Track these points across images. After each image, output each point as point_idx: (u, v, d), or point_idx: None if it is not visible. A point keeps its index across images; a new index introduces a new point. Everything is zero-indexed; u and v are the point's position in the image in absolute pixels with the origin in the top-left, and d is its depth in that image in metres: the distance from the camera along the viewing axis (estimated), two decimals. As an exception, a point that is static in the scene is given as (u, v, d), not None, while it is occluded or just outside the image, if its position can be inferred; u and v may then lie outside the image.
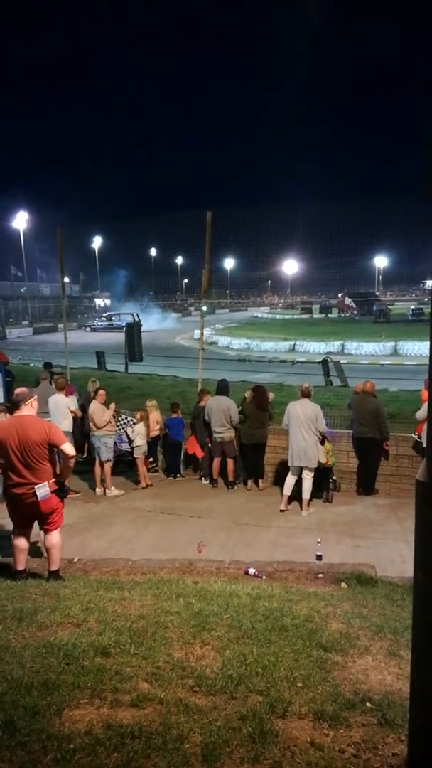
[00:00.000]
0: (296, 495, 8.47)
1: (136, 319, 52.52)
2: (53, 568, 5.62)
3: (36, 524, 5.66)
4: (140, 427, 9.59)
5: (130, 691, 3.13)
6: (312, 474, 8.31)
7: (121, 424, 9.86)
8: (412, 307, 53.88)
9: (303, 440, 8.22)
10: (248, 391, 9.80)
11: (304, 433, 8.21)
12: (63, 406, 9.07)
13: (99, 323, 53.07)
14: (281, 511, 8.33)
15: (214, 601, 4.54)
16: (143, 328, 19.73)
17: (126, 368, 20.57)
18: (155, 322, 53.33)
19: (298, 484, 8.40)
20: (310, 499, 8.35)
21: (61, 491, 5.57)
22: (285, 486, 8.50)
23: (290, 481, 8.44)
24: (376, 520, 7.94)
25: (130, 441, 9.71)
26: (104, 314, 57.03)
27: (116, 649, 3.60)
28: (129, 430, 9.69)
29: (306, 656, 3.59)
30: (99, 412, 9.21)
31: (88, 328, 53.35)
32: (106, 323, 52.00)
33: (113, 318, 51.13)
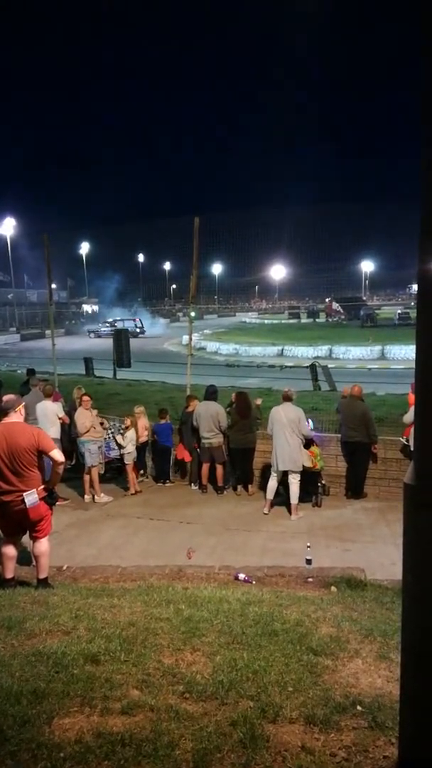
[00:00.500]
0: (283, 500, 8.49)
1: (140, 325, 52.39)
2: (42, 575, 5.59)
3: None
4: (131, 434, 9.57)
5: (120, 698, 3.11)
6: (298, 477, 8.33)
7: (110, 431, 9.83)
8: (399, 311, 54.29)
9: (287, 444, 8.23)
10: (234, 393, 9.82)
11: (287, 437, 8.23)
12: (51, 413, 9.03)
13: (103, 329, 52.75)
14: (264, 514, 8.35)
15: (204, 607, 4.53)
16: (130, 333, 19.70)
17: (114, 374, 20.53)
18: (144, 328, 53.39)
19: (286, 488, 8.41)
20: (299, 503, 8.36)
21: (50, 498, 5.54)
22: (267, 490, 8.51)
23: (272, 484, 8.46)
24: (365, 523, 7.97)
25: (120, 447, 9.68)
26: (108, 320, 56.74)
27: (106, 657, 3.58)
28: (119, 437, 9.66)
29: (296, 660, 3.59)
30: (81, 417, 9.20)
31: (92, 334, 53.08)
32: (110, 329, 52.06)
33: (116, 323, 51.05)
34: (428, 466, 2.25)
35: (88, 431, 9.18)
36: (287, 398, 8.60)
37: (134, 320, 56.00)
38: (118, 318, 57.33)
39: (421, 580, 2.26)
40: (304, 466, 8.44)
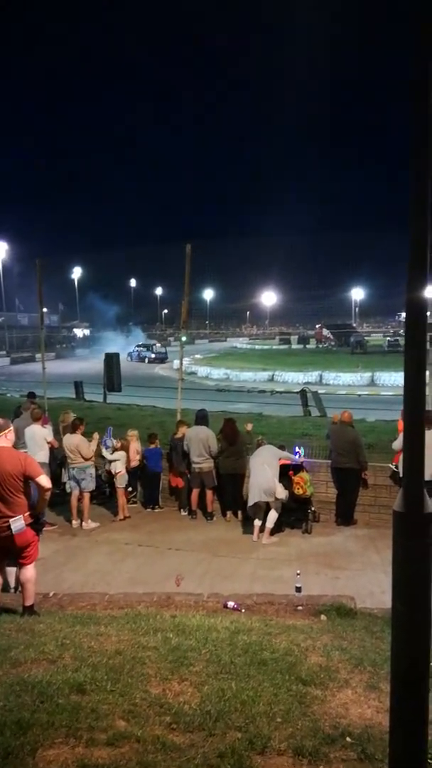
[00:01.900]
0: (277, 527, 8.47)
1: (161, 350, 52.84)
2: (28, 603, 5.49)
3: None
4: (119, 453, 9.52)
5: (106, 729, 3.05)
6: (278, 504, 8.30)
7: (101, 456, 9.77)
8: (388, 338, 54.77)
9: (261, 476, 8.22)
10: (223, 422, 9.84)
11: (262, 469, 8.24)
12: (39, 437, 8.98)
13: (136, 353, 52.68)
14: (254, 540, 8.30)
15: (193, 635, 4.47)
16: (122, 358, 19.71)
17: (104, 398, 20.48)
18: (136, 352, 53.45)
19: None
20: (274, 528, 8.34)
21: (37, 524, 5.48)
22: (253, 519, 8.47)
23: (257, 514, 8.41)
24: (355, 550, 7.93)
25: (108, 472, 9.62)
26: (137, 345, 56.83)
27: (92, 686, 3.52)
28: (106, 452, 9.58)
29: (285, 690, 3.54)
30: (85, 443, 9.14)
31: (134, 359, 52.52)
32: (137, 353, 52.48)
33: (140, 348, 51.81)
34: (417, 493, 2.27)
35: (92, 457, 9.16)
36: (261, 444, 8.86)
37: (153, 345, 56.49)
38: (142, 344, 57.65)
39: (410, 608, 2.25)
40: (294, 493, 8.43)
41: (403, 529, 2.29)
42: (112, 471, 9.57)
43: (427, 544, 2.24)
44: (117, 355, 19.41)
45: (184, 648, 4.16)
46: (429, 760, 2.57)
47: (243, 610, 5.77)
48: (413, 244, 2.25)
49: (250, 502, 8.32)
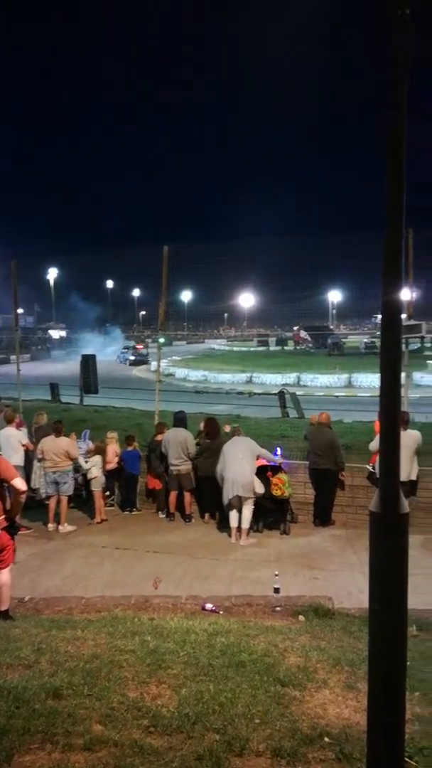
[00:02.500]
0: (256, 528, 8.48)
1: (142, 352, 52.38)
2: (3, 607, 5.42)
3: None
4: (96, 458, 9.44)
5: (83, 733, 3.02)
6: (251, 503, 8.32)
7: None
8: (365, 340, 55.23)
9: (239, 471, 8.25)
10: (202, 422, 9.83)
11: (239, 463, 8.26)
12: (14, 440, 8.88)
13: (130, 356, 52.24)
14: (232, 542, 8.30)
15: (170, 638, 4.45)
16: (98, 359, 19.52)
17: (81, 400, 20.28)
18: (113, 354, 53.09)
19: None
20: (251, 528, 8.38)
21: (12, 528, 5.41)
22: (231, 518, 8.46)
23: (234, 512, 8.41)
24: (333, 551, 7.97)
25: (78, 471, 9.54)
26: (124, 347, 56.39)
27: (69, 691, 3.49)
28: (81, 460, 9.51)
29: (263, 692, 3.55)
30: (73, 445, 9.09)
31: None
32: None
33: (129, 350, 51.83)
34: (393, 493, 2.29)
35: (75, 458, 9.09)
36: (237, 433, 8.87)
37: (135, 346, 56.32)
38: (131, 345, 57.42)
39: (386, 608, 2.27)
40: (272, 494, 8.46)
41: (379, 530, 2.31)
42: (88, 475, 9.48)
43: (403, 543, 2.27)
44: (93, 356, 19.21)
45: (162, 651, 4.14)
46: (406, 759, 2.59)
47: (221, 612, 5.77)
48: (388, 247, 2.28)
49: (227, 496, 8.31)
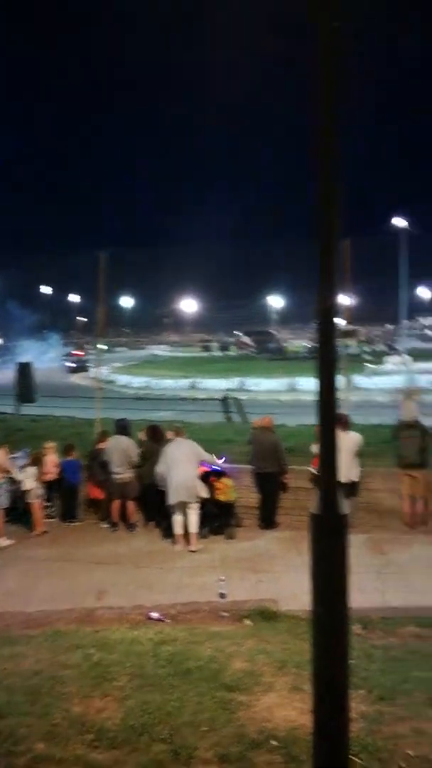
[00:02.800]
0: (203, 533, 8.47)
1: (82, 359, 50.87)
2: None
3: None
4: (31, 470, 9.18)
5: (24, 752, 2.93)
6: (196, 507, 8.31)
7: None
8: (306, 344, 56.22)
9: (183, 475, 8.22)
10: (141, 432, 9.73)
11: (183, 467, 8.24)
12: None
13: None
14: (178, 549, 8.26)
15: (115, 649, 4.39)
16: (37, 367, 19.09)
17: (17, 410, 19.72)
18: (50, 361, 51.98)
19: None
20: (199, 533, 8.35)
21: None
22: (175, 525, 8.41)
23: (178, 518, 8.37)
24: (278, 553, 8.04)
25: (15, 484, 9.28)
26: (64, 354, 54.68)
27: (9, 710, 3.38)
28: (15, 472, 9.24)
29: (210, 698, 3.54)
30: (6, 458, 8.81)
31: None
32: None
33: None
34: (331, 495, 2.32)
35: (7, 471, 8.82)
36: (179, 433, 8.77)
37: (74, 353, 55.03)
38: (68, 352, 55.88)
39: (328, 608, 2.30)
40: (216, 499, 8.48)
41: (319, 531, 2.34)
42: (21, 487, 9.21)
43: (342, 544, 2.31)
44: (29, 364, 18.76)
45: (107, 663, 4.07)
46: (352, 757, 2.63)
47: (167, 620, 5.72)
48: (322, 258, 2.32)
49: (171, 502, 8.26)
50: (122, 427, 9.54)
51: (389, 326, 72.79)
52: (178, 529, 8.37)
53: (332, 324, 2.38)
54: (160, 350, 75.55)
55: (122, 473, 9.14)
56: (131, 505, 9.29)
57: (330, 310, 2.36)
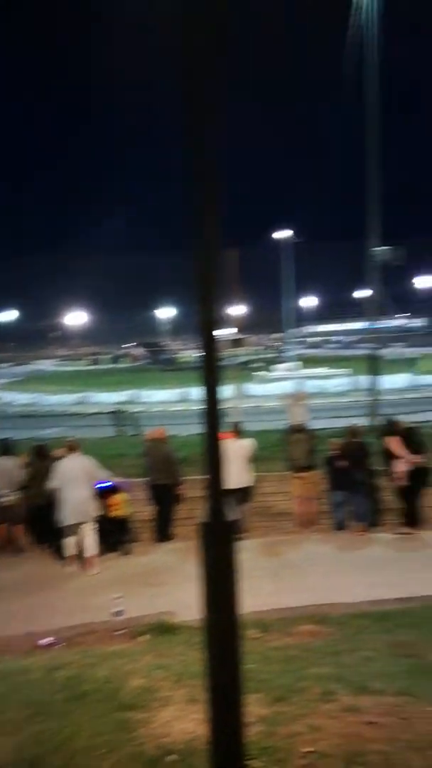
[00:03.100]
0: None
1: None
2: None
3: None
4: None
5: None
6: (92, 527, 8.12)
7: None
8: (196, 354, 56.94)
9: (76, 495, 7.97)
10: (23, 455, 9.33)
11: (76, 485, 7.99)
12: None
13: None
14: (71, 571, 7.98)
15: (3, 682, 4.15)
16: None
17: None
18: None
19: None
20: (103, 554, 8.15)
21: None
22: (67, 546, 8.13)
23: (71, 540, 8.10)
24: (173, 565, 8.00)
25: None
26: None
27: None
28: None
29: (107, 720, 3.45)
30: None
31: None
32: None
33: None
34: (218, 503, 2.36)
35: None
36: (73, 449, 8.38)
37: None
38: None
39: (217, 615, 2.33)
40: (110, 517, 8.31)
41: (207, 538, 2.36)
42: None
43: (230, 551, 2.34)
44: None
45: (-5, 697, 3.85)
46: (247, 762, 2.66)
47: (61, 645, 5.52)
48: (200, 267, 2.35)
49: (64, 522, 7.99)
50: (5, 448, 9.11)
51: (278, 334, 75.63)
52: (70, 550, 8.09)
53: (213, 335, 2.41)
54: (46, 365, 73.20)
55: (5, 497, 8.71)
56: (19, 529, 8.89)
57: (210, 320, 2.40)
